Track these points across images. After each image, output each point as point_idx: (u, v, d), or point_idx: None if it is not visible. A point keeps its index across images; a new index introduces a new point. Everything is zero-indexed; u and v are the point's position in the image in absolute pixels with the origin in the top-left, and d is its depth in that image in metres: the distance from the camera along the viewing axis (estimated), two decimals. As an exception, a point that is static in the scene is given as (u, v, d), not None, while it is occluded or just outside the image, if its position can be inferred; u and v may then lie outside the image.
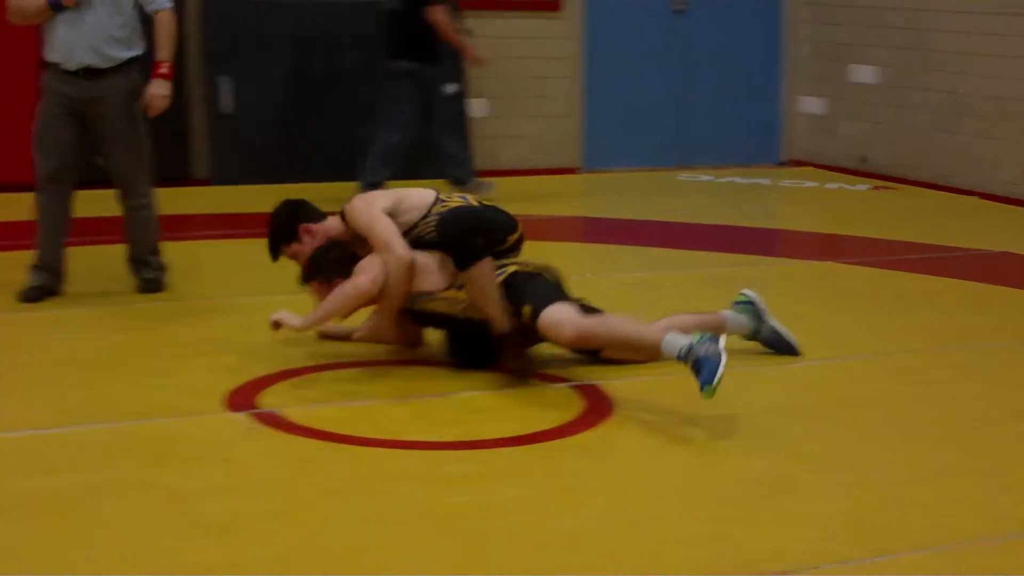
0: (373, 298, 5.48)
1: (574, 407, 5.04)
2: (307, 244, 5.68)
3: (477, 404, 5.10)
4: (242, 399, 5.10)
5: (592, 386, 5.28)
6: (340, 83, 12.01)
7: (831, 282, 7.46)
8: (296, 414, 4.91)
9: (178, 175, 11.54)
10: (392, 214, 5.57)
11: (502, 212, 5.77)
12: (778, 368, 5.62)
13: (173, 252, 7.84)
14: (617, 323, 5.29)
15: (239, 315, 6.11)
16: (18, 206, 9.80)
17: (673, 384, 5.26)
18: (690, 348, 4.83)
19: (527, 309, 5.28)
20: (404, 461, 4.46)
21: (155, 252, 7.11)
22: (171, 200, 10.59)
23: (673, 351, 4.91)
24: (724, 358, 4.75)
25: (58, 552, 3.67)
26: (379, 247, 5.46)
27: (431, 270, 5.50)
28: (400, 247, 5.45)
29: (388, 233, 5.48)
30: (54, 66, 6.81)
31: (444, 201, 5.68)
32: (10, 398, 5.18)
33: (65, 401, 5.11)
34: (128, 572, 3.53)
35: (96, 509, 3.96)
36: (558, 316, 5.22)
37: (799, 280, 7.59)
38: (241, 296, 5.95)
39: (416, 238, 5.56)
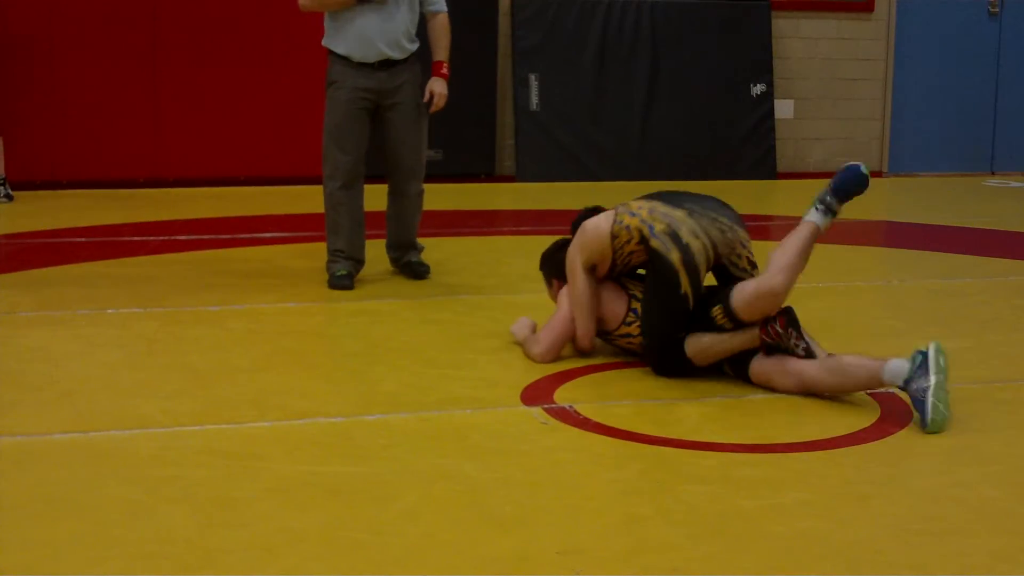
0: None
1: (870, 414, 4.97)
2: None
3: (771, 407, 5.07)
4: (537, 393, 5.18)
5: (889, 394, 5.18)
6: (647, 82, 12.09)
7: None
8: (589, 410, 4.96)
9: (484, 172, 11.80)
10: (591, 262, 5.59)
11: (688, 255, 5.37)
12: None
13: (476, 246, 8.04)
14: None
15: (536, 310, 6.20)
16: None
17: (976, 394, 5.14)
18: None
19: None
20: (697, 462, 4.46)
21: (416, 236, 7.41)
22: (477, 195, 10.88)
23: None
24: (932, 398, 4.72)
25: (359, 538, 3.79)
26: (576, 320, 5.64)
27: (607, 313, 5.64)
28: (587, 336, 5.64)
29: (583, 317, 5.62)
30: (345, 59, 7.02)
31: (622, 225, 5.49)
32: (323, 384, 5.38)
33: (375, 389, 5.27)
34: (420, 560, 3.63)
35: (400, 497, 4.07)
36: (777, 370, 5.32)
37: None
38: (540, 292, 6.05)
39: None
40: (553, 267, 5.88)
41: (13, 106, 10.62)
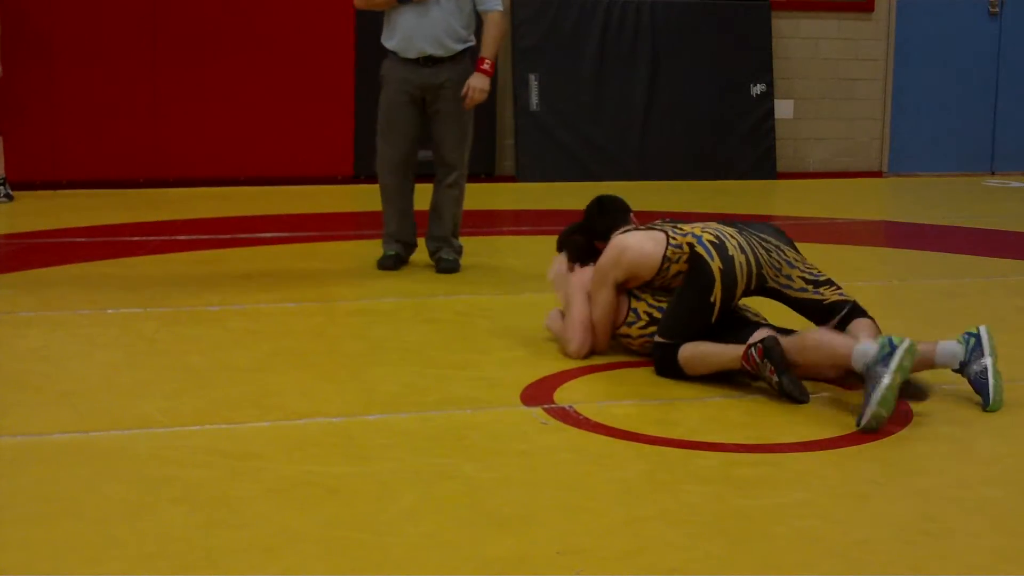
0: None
1: (871, 414, 4.96)
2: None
3: (770, 407, 5.06)
4: (537, 393, 5.18)
5: (890, 394, 5.18)
6: (647, 82, 12.09)
7: None
8: (589, 410, 4.96)
9: (485, 171, 11.80)
10: (626, 279, 5.58)
11: (729, 266, 5.32)
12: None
13: (476, 246, 8.04)
14: (810, 351, 5.16)
15: (535, 310, 6.20)
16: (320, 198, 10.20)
17: (974, 393, 5.15)
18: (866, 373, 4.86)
19: None
20: (696, 462, 4.46)
21: (456, 234, 7.64)
22: (477, 195, 10.89)
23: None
24: (878, 397, 4.70)
25: (359, 538, 3.79)
26: (590, 313, 5.64)
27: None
28: (604, 342, 5.66)
29: (602, 327, 5.62)
30: (393, 54, 7.39)
31: (675, 246, 5.44)
32: (323, 384, 5.38)
33: (376, 389, 5.27)
34: (421, 560, 3.63)
35: (400, 497, 4.07)
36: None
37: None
38: (539, 292, 6.05)
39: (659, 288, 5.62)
40: (571, 248, 5.87)
41: (13, 106, 10.61)
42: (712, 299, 5.29)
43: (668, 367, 5.37)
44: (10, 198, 10.02)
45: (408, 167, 7.51)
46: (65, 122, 10.88)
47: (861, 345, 4.90)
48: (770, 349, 5.05)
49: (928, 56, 12.52)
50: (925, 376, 5.30)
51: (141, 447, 4.49)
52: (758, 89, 12.22)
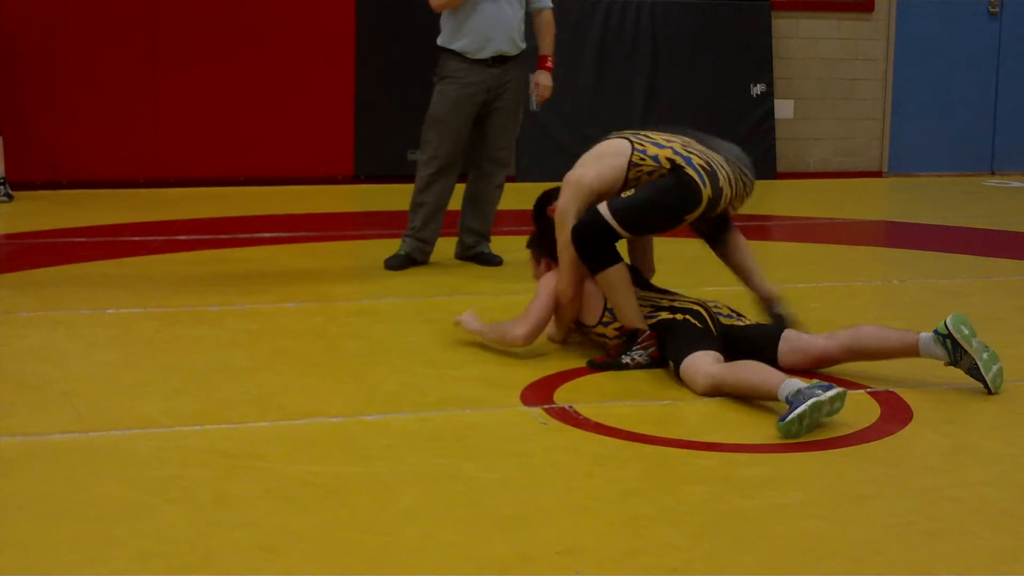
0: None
1: (871, 414, 4.96)
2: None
3: (770, 407, 5.06)
4: (537, 394, 5.18)
5: (890, 392, 5.18)
6: (647, 82, 12.08)
7: None
8: (590, 411, 4.96)
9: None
10: (597, 193, 5.53)
11: (693, 185, 5.39)
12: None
13: (476, 247, 8.02)
14: (745, 371, 5.02)
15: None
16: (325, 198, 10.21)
17: (978, 392, 5.14)
18: (797, 392, 4.72)
19: (671, 365, 5.33)
20: (696, 462, 4.46)
21: (491, 228, 7.86)
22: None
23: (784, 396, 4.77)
24: (808, 405, 4.60)
25: (359, 538, 3.79)
26: (560, 270, 5.61)
27: (589, 304, 5.64)
28: (569, 286, 5.55)
29: (567, 267, 5.55)
30: (459, 56, 7.46)
31: (646, 153, 5.47)
32: (323, 384, 5.38)
33: (376, 389, 5.27)
34: (420, 560, 3.63)
35: (400, 497, 4.07)
36: (692, 369, 5.18)
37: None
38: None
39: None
40: (545, 245, 5.83)
41: (14, 106, 10.61)
42: (685, 217, 5.47)
43: (595, 248, 5.39)
44: (10, 198, 10.02)
45: (456, 167, 7.62)
46: (65, 122, 10.88)
47: (791, 380, 4.83)
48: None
49: (928, 56, 12.52)
50: (925, 375, 5.31)
51: (141, 447, 4.49)
52: (758, 89, 12.22)
